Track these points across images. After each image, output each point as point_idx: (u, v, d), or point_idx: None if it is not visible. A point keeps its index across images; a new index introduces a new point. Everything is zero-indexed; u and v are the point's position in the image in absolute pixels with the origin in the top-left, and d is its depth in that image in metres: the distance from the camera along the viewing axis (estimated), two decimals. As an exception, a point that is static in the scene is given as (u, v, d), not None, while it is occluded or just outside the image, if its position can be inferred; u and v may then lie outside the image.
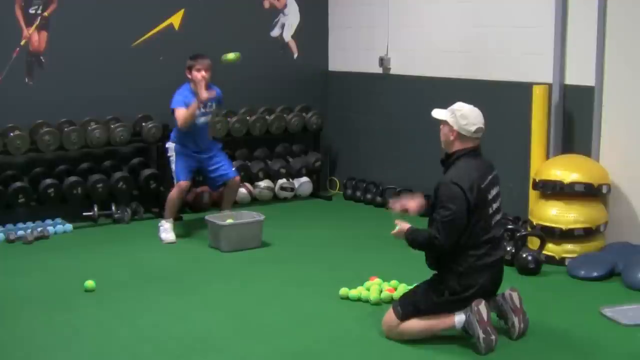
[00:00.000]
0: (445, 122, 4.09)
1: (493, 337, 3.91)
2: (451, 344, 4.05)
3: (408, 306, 4.09)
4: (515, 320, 4.08)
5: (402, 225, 4.11)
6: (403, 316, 4.07)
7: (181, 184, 6.19)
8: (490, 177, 4.07)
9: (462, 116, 4.02)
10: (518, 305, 4.11)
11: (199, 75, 6.04)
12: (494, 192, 4.06)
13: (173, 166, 6.25)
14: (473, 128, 4.02)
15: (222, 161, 6.42)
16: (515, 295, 4.12)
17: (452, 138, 4.06)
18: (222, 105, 6.62)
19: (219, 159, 6.41)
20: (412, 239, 4.07)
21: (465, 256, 3.97)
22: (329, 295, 4.83)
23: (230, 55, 6.19)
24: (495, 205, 4.05)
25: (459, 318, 3.97)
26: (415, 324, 4.05)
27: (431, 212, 4.06)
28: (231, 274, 5.38)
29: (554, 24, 5.80)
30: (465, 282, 3.98)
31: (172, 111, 6.10)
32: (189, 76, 6.12)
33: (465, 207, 3.89)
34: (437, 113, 4.15)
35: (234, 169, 6.57)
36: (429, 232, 3.98)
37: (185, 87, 6.16)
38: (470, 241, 3.96)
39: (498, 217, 4.09)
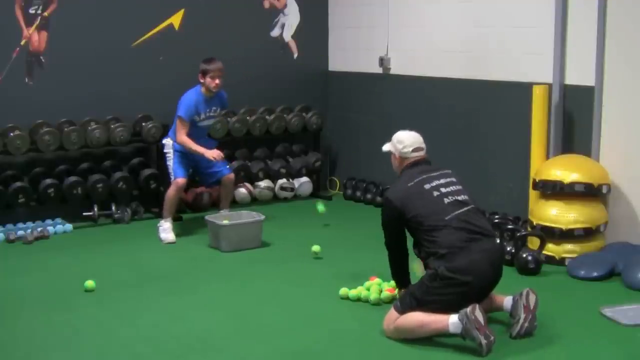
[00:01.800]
0: (390, 153, 4.50)
1: (492, 338, 3.91)
2: (451, 344, 4.05)
3: (405, 298, 4.14)
4: (522, 317, 4.08)
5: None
6: (401, 308, 4.10)
7: (178, 181, 6.19)
8: (432, 174, 4.30)
9: (399, 141, 4.44)
10: (531, 306, 4.11)
11: (213, 83, 6.11)
12: (436, 182, 4.25)
13: (170, 163, 6.27)
14: (410, 149, 4.41)
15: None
16: (532, 297, 4.12)
17: (397, 163, 4.48)
18: (227, 109, 6.64)
19: None
20: (391, 269, 4.52)
21: (436, 238, 4.08)
22: (329, 295, 4.83)
23: (321, 207, 6.56)
24: (444, 190, 4.22)
25: (452, 321, 3.94)
26: (409, 319, 4.05)
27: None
28: (231, 274, 5.38)
29: (554, 24, 5.80)
30: (452, 264, 4.00)
31: (178, 117, 6.13)
32: (202, 80, 6.15)
33: (394, 214, 4.24)
34: (384, 147, 4.55)
35: (228, 166, 6.58)
36: None
37: (196, 91, 6.19)
38: (431, 225, 4.10)
39: (452, 198, 4.20)
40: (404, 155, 4.41)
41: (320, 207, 6.51)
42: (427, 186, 4.22)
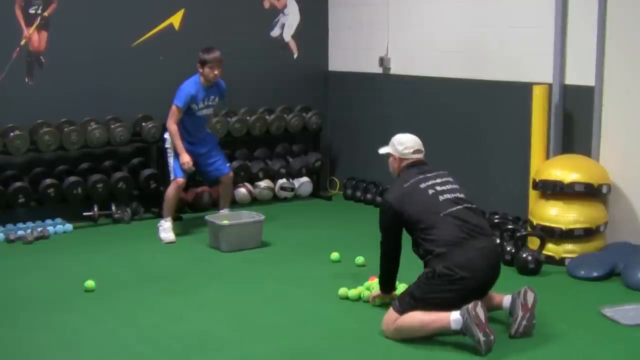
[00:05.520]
0: (389, 154, 4.53)
1: (492, 337, 3.92)
2: (451, 345, 4.05)
3: (404, 297, 4.15)
4: (520, 315, 4.09)
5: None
6: (400, 308, 4.10)
7: (178, 180, 6.20)
8: (429, 174, 4.33)
9: (399, 143, 4.48)
10: (529, 305, 4.11)
11: (212, 73, 6.13)
12: (433, 181, 4.28)
13: (170, 160, 6.26)
14: (410, 150, 4.45)
15: (217, 156, 6.46)
16: (530, 294, 4.13)
17: (396, 165, 4.50)
18: (225, 100, 6.63)
19: (215, 153, 6.45)
20: (380, 277, 4.54)
21: (432, 236, 4.11)
22: (329, 295, 4.83)
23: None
24: (439, 188, 4.25)
25: (454, 318, 3.95)
26: (410, 319, 4.05)
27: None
28: (231, 274, 5.38)
29: (554, 24, 5.80)
30: (449, 262, 4.02)
31: (174, 104, 6.16)
32: (200, 70, 6.17)
33: (391, 216, 4.27)
34: (381, 150, 4.60)
35: (228, 165, 6.59)
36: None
37: (194, 81, 6.21)
38: (426, 223, 4.14)
39: (447, 196, 4.23)
40: (404, 156, 4.44)
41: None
42: (422, 185, 4.25)
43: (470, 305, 3.90)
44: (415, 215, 4.18)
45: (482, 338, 3.88)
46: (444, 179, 4.33)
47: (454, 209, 4.17)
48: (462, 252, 4.04)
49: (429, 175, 4.33)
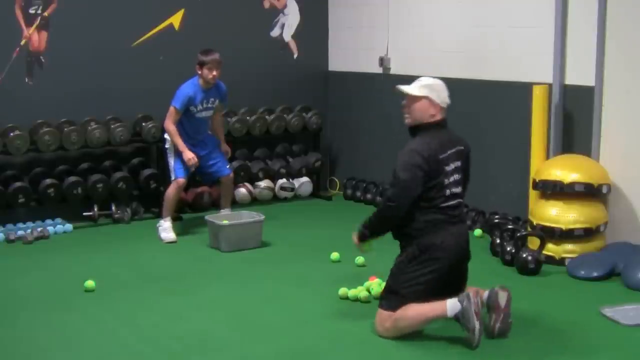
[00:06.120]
0: (423, 98, 4.21)
1: (482, 328, 3.91)
2: (450, 344, 4.05)
3: (386, 294, 4.16)
4: (493, 318, 4.05)
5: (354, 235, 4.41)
6: (387, 305, 4.11)
7: (179, 181, 6.20)
8: (452, 150, 4.19)
9: (442, 89, 4.25)
10: (502, 305, 4.04)
11: (210, 75, 6.11)
12: (453, 165, 4.18)
13: (171, 161, 6.26)
14: (449, 99, 4.26)
15: (218, 158, 6.46)
16: (501, 294, 4.04)
17: (433, 112, 4.21)
18: (226, 103, 6.64)
19: (215, 155, 6.45)
20: (368, 225, 4.30)
21: (419, 222, 4.09)
22: (328, 295, 4.83)
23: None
24: (453, 178, 4.16)
25: (451, 304, 3.94)
26: (407, 313, 4.05)
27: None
28: (231, 274, 5.38)
29: (554, 24, 5.80)
30: (423, 242, 4.06)
31: (172, 106, 6.16)
32: (199, 72, 6.16)
33: (421, 174, 4.05)
34: (412, 89, 4.27)
35: (228, 166, 6.59)
36: (380, 204, 4.28)
37: (193, 83, 6.20)
38: (424, 205, 4.08)
39: (455, 190, 4.17)
40: (445, 105, 4.22)
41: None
42: (447, 168, 4.14)
43: (471, 292, 3.91)
44: (428, 194, 4.09)
45: (477, 327, 3.86)
46: (457, 164, 4.20)
47: (448, 203, 4.15)
48: (435, 234, 4.07)
49: (452, 152, 4.17)
